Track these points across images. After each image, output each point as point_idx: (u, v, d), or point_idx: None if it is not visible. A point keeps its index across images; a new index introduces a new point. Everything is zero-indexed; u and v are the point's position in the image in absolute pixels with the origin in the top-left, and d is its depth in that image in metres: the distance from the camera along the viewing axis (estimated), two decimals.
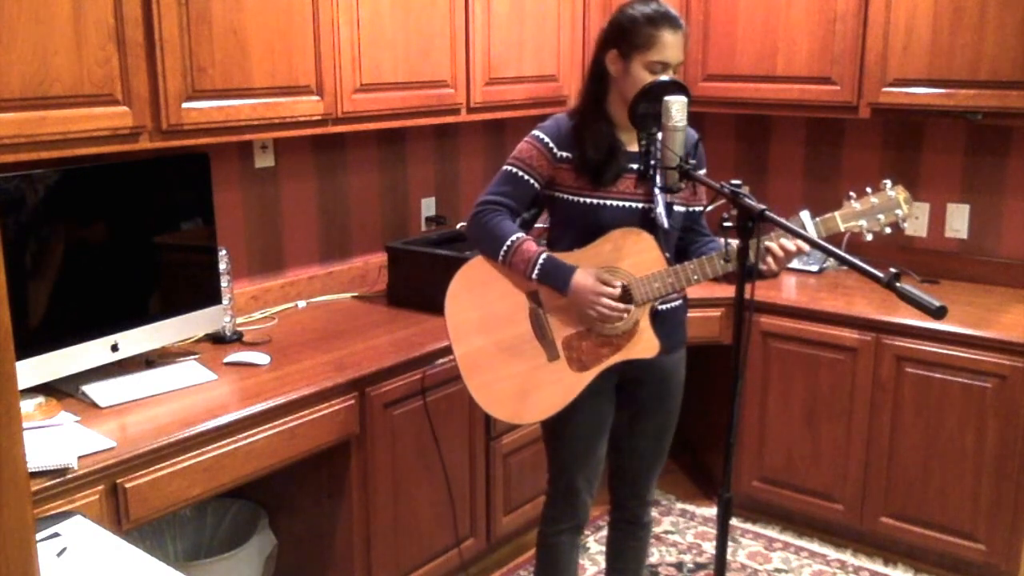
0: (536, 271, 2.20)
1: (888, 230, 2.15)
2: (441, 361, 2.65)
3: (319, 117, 2.63)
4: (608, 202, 2.23)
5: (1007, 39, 2.95)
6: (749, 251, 1.82)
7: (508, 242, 2.21)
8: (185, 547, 2.66)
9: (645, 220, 2.23)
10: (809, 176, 3.81)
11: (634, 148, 2.23)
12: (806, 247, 2.10)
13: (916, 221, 3.56)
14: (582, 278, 2.17)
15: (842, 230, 2.13)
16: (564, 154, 2.25)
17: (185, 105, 2.29)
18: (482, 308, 2.26)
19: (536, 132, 2.29)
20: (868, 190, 2.14)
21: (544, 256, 2.20)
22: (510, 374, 2.24)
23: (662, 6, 2.19)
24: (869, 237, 2.14)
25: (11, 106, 1.97)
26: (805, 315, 3.18)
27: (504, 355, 2.24)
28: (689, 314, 2.45)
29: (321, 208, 3.15)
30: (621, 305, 2.16)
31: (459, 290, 2.27)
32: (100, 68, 2.11)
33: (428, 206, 3.51)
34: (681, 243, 2.36)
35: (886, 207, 2.12)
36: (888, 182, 2.15)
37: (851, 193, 2.16)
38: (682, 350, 2.42)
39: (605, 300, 2.15)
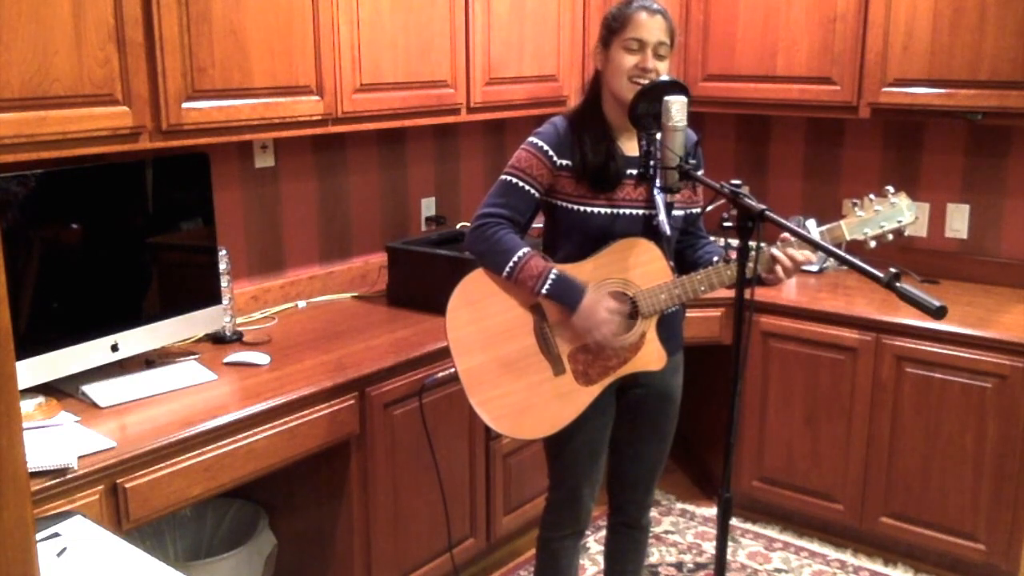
0: (546, 287, 2.15)
1: (891, 237, 2.15)
2: (442, 375, 2.64)
3: (319, 117, 2.63)
4: (610, 210, 2.20)
5: (1007, 39, 2.95)
6: (748, 251, 1.82)
7: (515, 257, 2.16)
8: (185, 547, 2.66)
9: (648, 227, 2.21)
10: (809, 176, 3.81)
11: (633, 152, 2.21)
12: (813, 257, 2.12)
13: (916, 221, 3.55)
14: (592, 301, 2.14)
15: (848, 239, 2.12)
16: (564, 162, 2.20)
17: (185, 105, 2.29)
18: (484, 322, 2.20)
19: (534, 139, 2.24)
20: (871, 197, 2.13)
21: (555, 273, 2.15)
22: (515, 389, 2.19)
23: None
24: (872, 245, 2.13)
25: (11, 106, 1.97)
26: (805, 315, 3.18)
27: (508, 370, 2.19)
28: (689, 314, 2.44)
29: (321, 208, 3.15)
30: (619, 338, 2.17)
31: (460, 304, 2.21)
32: (100, 68, 2.11)
33: (428, 206, 3.51)
34: (678, 245, 2.34)
35: (890, 215, 2.12)
36: (891, 188, 2.14)
37: (855, 200, 2.14)
38: (680, 353, 2.41)
39: (613, 326, 2.14)
